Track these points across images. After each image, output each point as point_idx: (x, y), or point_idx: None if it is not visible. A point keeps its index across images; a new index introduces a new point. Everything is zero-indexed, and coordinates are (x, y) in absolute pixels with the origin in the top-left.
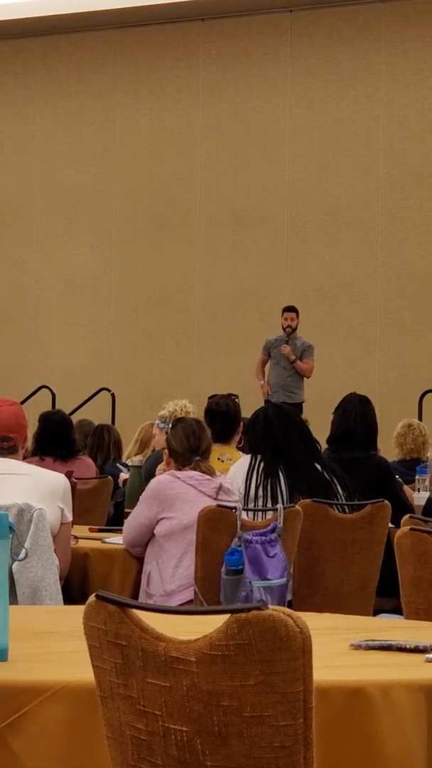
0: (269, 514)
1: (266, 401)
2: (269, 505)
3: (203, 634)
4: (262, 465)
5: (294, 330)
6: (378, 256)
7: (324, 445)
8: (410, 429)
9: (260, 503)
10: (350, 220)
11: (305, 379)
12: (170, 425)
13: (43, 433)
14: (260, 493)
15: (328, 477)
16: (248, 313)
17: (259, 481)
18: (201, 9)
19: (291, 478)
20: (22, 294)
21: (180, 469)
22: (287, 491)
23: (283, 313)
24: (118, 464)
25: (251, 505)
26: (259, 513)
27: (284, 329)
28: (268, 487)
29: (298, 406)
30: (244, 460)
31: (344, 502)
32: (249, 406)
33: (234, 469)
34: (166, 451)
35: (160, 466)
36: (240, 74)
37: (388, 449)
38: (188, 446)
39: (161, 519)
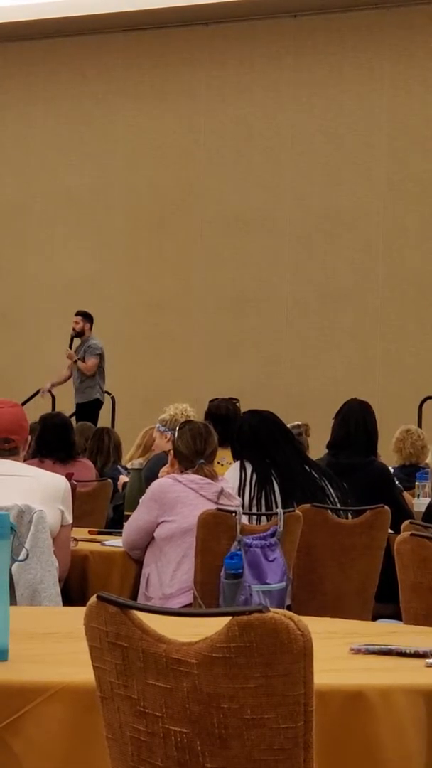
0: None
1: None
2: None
3: (203, 636)
4: (254, 477)
5: (77, 333)
6: (379, 262)
7: (324, 450)
8: (408, 434)
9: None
10: (352, 225)
11: (96, 377)
12: (177, 428)
13: (43, 435)
14: (254, 504)
15: (317, 477)
16: (249, 317)
17: (252, 494)
18: (205, 13)
19: (284, 486)
20: (23, 296)
21: (183, 471)
22: (282, 498)
23: None
24: (118, 467)
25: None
26: (259, 517)
27: None
28: (263, 499)
29: (94, 403)
30: (234, 470)
31: (338, 504)
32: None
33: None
34: (171, 452)
35: (165, 468)
36: (243, 79)
37: (388, 456)
38: (194, 448)
39: (161, 522)
